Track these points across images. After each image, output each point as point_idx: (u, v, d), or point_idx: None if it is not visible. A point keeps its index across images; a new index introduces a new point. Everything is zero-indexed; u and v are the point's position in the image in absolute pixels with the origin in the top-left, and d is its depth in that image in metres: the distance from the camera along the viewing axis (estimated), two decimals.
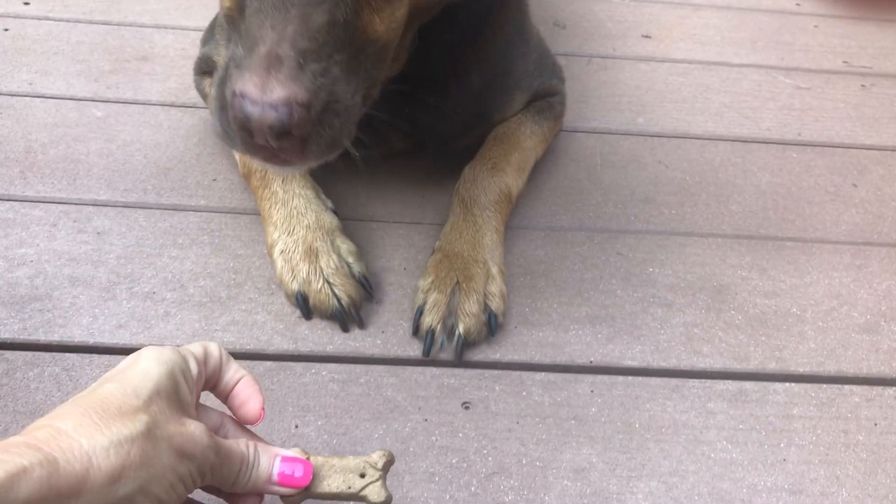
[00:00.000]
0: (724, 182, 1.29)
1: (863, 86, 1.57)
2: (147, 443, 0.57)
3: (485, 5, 1.02)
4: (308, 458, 0.68)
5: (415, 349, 0.98)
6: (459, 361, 0.96)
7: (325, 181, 1.13)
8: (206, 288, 1.02)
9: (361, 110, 0.78)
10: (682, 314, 1.06)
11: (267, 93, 0.68)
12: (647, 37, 1.64)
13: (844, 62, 1.64)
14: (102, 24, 1.50)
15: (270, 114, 0.69)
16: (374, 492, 0.67)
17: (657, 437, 0.91)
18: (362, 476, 0.68)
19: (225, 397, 0.72)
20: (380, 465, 0.68)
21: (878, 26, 1.77)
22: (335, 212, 1.09)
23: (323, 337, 0.98)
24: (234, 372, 0.72)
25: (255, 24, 0.71)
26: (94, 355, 0.94)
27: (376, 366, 0.96)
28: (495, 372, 0.96)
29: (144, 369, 0.63)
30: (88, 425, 0.56)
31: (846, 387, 0.99)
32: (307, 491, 0.68)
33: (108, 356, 0.94)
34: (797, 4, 1.82)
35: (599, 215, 1.21)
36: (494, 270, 1.01)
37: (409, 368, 0.96)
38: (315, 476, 0.68)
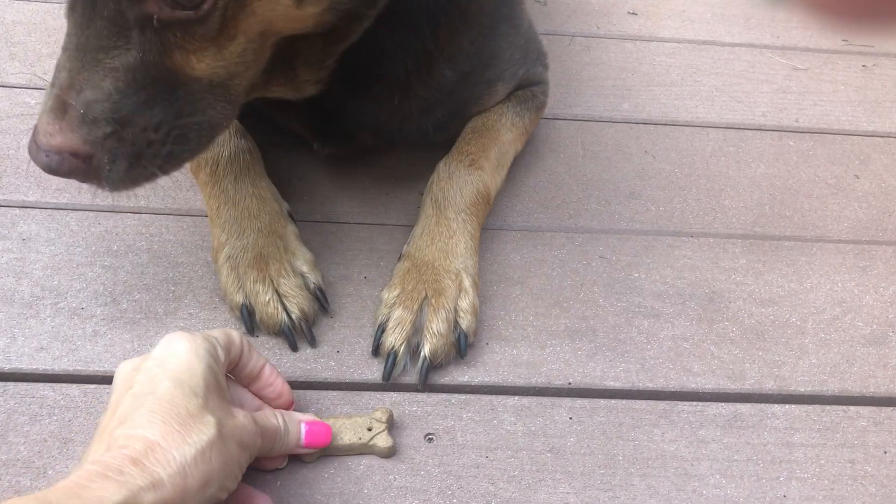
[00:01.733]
0: (716, 174, 1.19)
1: (864, 66, 1.46)
2: (221, 444, 0.65)
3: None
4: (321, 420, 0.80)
5: (373, 371, 0.88)
6: (423, 386, 0.86)
7: (282, 178, 1.02)
8: (140, 302, 0.92)
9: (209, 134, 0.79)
10: (670, 326, 0.96)
11: (45, 138, 0.71)
12: (633, 14, 1.52)
13: (844, 40, 1.53)
14: (42, 1, 1.38)
15: (43, 158, 0.72)
16: (382, 439, 0.80)
17: (643, 472, 0.81)
18: (369, 430, 0.80)
19: (249, 382, 0.79)
20: (384, 418, 0.81)
21: (880, 0, 1.66)
22: (291, 215, 0.98)
23: (271, 358, 0.88)
24: (257, 359, 0.79)
25: (59, 60, 0.72)
26: (9, 384, 0.83)
27: (329, 391, 0.85)
28: (463, 397, 0.86)
29: (188, 364, 0.69)
30: (173, 434, 0.63)
31: (852, 408, 0.89)
32: (325, 448, 0.79)
33: (25, 384, 0.83)
34: None
35: (580, 213, 1.10)
36: (468, 283, 0.91)
37: (367, 394, 0.85)
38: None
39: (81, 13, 0.70)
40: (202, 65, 0.73)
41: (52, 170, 0.72)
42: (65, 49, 0.72)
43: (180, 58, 0.71)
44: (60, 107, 0.71)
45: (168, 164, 0.76)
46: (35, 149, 0.72)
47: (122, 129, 0.72)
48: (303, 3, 0.73)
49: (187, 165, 1.01)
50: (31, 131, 0.73)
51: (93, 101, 0.70)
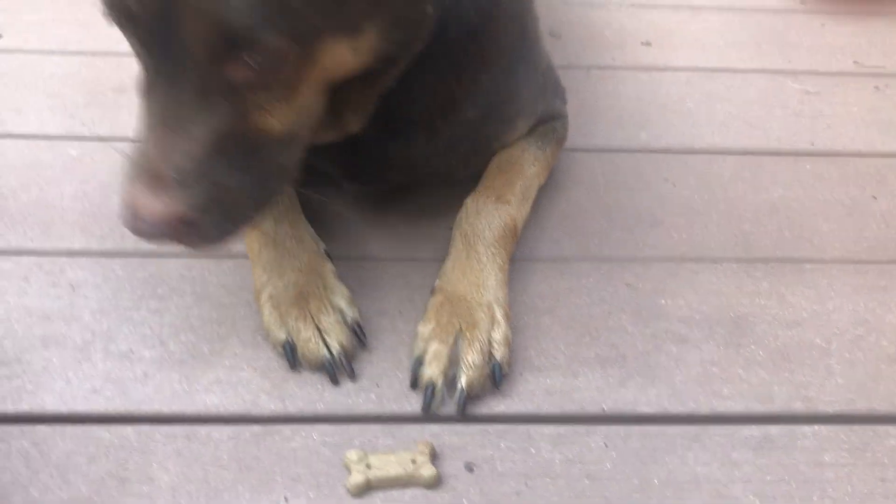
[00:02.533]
0: (735, 199, 1.22)
1: (876, 87, 1.49)
2: None
3: (462, 40, 0.95)
4: (365, 456, 0.84)
5: (412, 403, 0.91)
6: (462, 417, 0.89)
7: (317, 218, 1.06)
8: (187, 343, 0.96)
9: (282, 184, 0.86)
10: (698, 351, 0.99)
11: (147, 210, 0.75)
12: (646, 44, 1.57)
13: (855, 62, 1.56)
14: (77, 53, 1.44)
15: (147, 229, 0.76)
16: (426, 469, 0.83)
17: (678, 495, 0.84)
18: (413, 462, 0.84)
19: None
20: (426, 451, 0.85)
21: (888, 23, 1.69)
22: (328, 253, 1.02)
23: (312, 393, 0.91)
24: None
25: (145, 136, 0.76)
26: (66, 426, 0.87)
27: (371, 425, 0.89)
28: (500, 427, 0.89)
29: None
30: None
31: (881, 427, 0.92)
32: (369, 481, 0.82)
33: (81, 426, 0.87)
34: (802, 2, 1.74)
35: (605, 242, 1.14)
36: (499, 315, 0.95)
37: (407, 426, 0.89)
38: (376, 468, 0.83)
39: (160, 89, 0.75)
40: (276, 120, 0.78)
41: (155, 238, 0.78)
42: (148, 124, 0.76)
43: (258, 116, 0.77)
44: (154, 178, 0.75)
45: (254, 213, 0.83)
46: (134, 221, 0.76)
47: (215, 191, 0.76)
48: (357, 51, 0.80)
49: None
50: (123, 205, 0.77)
51: (186, 169, 0.75)
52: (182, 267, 1.05)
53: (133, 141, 0.78)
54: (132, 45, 0.77)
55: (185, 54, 0.72)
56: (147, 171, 0.75)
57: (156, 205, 0.74)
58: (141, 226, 0.76)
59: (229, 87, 0.74)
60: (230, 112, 0.75)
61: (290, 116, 0.79)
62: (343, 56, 0.79)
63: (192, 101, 0.74)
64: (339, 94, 0.85)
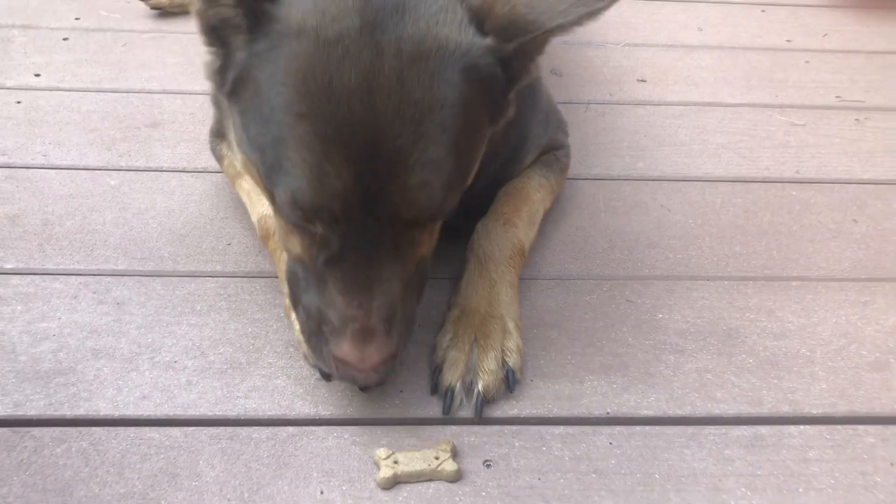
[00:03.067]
0: (727, 223, 1.32)
1: (857, 120, 1.60)
2: None
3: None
4: (393, 454, 0.92)
5: (433, 408, 0.99)
6: (479, 419, 0.98)
7: None
8: (225, 354, 1.04)
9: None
10: (694, 360, 1.07)
11: (367, 360, 0.87)
12: (642, 81, 1.67)
13: (837, 97, 1.67)
14: (112, 92, 1.54)
15: (373, 376, 0.89)
16: (449, 465, 0.91)
17: (677, 487, 0.92)
18: (437, 458, 0.91)
19: None
20: (448, 448, 0.93)
21: (868, 59, 1.81)
22: None
23: (343, 399, 1.00)
24: None
25: (342, 301, 0.87)
26: (119, 428, 0.95)
27: (396, 426, 0.97)
28: (514, 427, 0.98)
29: None
30: None
31: (860, 427, 1.00)
32: (397, 476, 0.90)
33: (133, 428, 0.95)
34: (788, 41, 1.86)
35: (606, 262, 1.23)
36: (511, 326, 1.03)
37: (429, 428, 0.97)
38: (402, 464, 0.91)
39: (356, 258, 0.86)
40: (426, 249, 0.95)
41: (378, 382, 0.91)
42: (343, 290, 0.87)
43: (418, 251, 0.91)
44: (366, 334, 0.87)
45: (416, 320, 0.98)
46: (356, 374, 0.89)
47: (402, 321, 0.90)
48: (469, 180, 0.94)
49: (258, 234, 1.15)
50: (343, 367, 0.89)
51: (389, 317, 0.88)
52: (218, 286, 1.14)
53: (311, 305, 0.91)
54: (319, 231, 0.86)
55: (384, 233, 0.85)
56: (357, 330, 0.86)
57: (373, 355, 0.87)
58: (358, 376, 0.89)
59: (412, 240, 0.88)
60: (410, 259, 0.90)
61: (433, 242, 0.96)
62: (463, 189, 0.93)
63: (387, 262, 0.87)
64: None
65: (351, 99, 0.79)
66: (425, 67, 0.81)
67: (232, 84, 0.88)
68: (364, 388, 0.97)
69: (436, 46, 0.82)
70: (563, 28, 0.85)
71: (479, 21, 0.85)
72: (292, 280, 0.95)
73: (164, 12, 1.79)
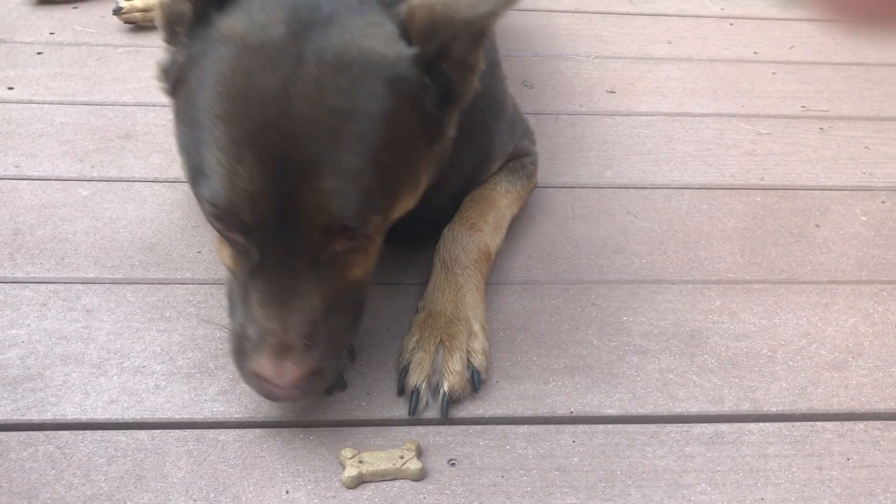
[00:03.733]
0: (692, 229, 1.34)
1: (821, 129, 1.63)
2: None
3: (467, 122, 1.05)
4: (358, 453, 0.92)
5: (400, 409, 1.00)
6: (445, 419, 0.99)
7: None
8: (194, 359, 1.05)
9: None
10: (657, 360, 1.09)
11: (283, 377, 0.87)
12: (611, 92, 1.70)
13: (802, 107, 1.70)
14: (85, 104, 1.55)
15: (291, 391, 0.88)
16: (413, 464, 0.93)
17: (638, 484, 0.94)
18: (402, 458, 0.93)
19: None
20: (412, 448, 0.94)
21: (833, 70, 1.84)
22: None
23: (310, 402, 1.00)
24: None
25: (261, 314, 0.87)
26: (87, 432, 0.96)
27: (363, 428, 0.98)
28: (479, 427, 0.99)
29: None
30: None
31: (818, 424, 1.02)
32: (362, 475, 0.91)
33: (101, 431, 0.96)
34: (755, 53, 1.90)
35: (573, 267, 1.25)
36: (477, 328, 1.05)
37: (396, 429, 0.98)
38: (368, 463, 0.92)
39: (273, 270, 0.86)
40: (362, 271, 0.93)
41: (297, 397, 0.91)
42: (259, 300, 0.87)
43: (350, 274, 0.91)
44: (282, 348, 0.86)
45: (351, 342, 1.00)
46: (273, 390, 0.88)
47: (327, 340, 0.89)
48: (416, 194, 0.94)
49: (218, 245, 1.16)
50: (256, 379, 0.89)
51: (310, 332, 0.87)
52: (188, 293, 1.15)
53: (237, 320, 0.92)
54: (239, 241, 0.87)
55: (299, 243, 0.84)
56: (274, 345, 0.86)
57: (291, 371, 0.86)
58: (274, 391, 0.88)
59: (333, 257, 0.87)
60: (334, 276, 0.88)
61: (369, 264, 0.95)
62: (408, 203, 0.94)
63: (305, 275, 0.86)
64: None
65: (267, 103, 0.80)
66: (346, 77, 0.81)
67: (172, 84, 0.90)
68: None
69: (360, 57, 0.82)
70: (479, 19, 0.84)
71: (406, 33, 0.85)
72: (230, 295, 0.95)
73: (138, 27, 1.80)
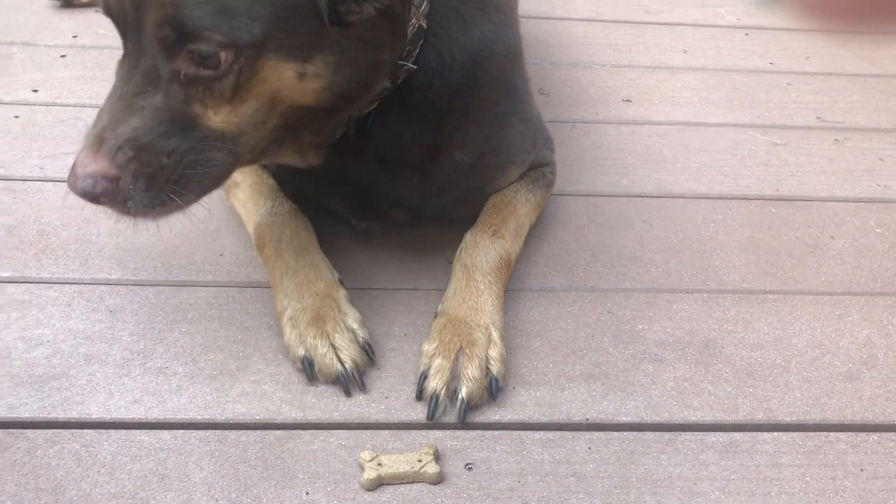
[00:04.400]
0: (707, 239, 1.35)
1: (836, 140, 1.64)
2: None
3: (448, 92, 1.08)
4: (377, 456, 0.94)
5: (418, 413, 1.02)
6: (462, 424, 1.00)
7: (331, 252, 1.18)
8: (215, 361, 1.07)
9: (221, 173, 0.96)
10: (672, 369, 1.10)
11: (82, 167, 0.88)
12: (627, 101, 1.71)
13: (818, 118, 1.71)
14: None
15: (79, 184, 0.89)
16: (431, 468, 0.94)
17: (653, 490, 0.95)
18: (420, 461, 0.94)
19: None
20: (431, 452, 0.96)
21: (849, 81, 1.85)
22: (342, 282, 1.14)
23: (329, 404, 1.02)
24: None
25: (101, 107, 0.91)
26: (111, 430, 0.98)
27: (381, 431, 1.00)
28: (496, 432, 1.01)
29: None
30: None
31: (832, 434, 1.03)
32: (381, 477, 0.92)
33: (124, 431, 0.98)
34: (770, 63, 1.90)
35: (589, 275, 1.26)
36: (496, 335, 1.06)
37: (413, 432, 1.00)
38: (386, 466, 0.94)
39: (126, 67, 0.90)
40: (217, 118, 0.92)
41: (86, 194, 0.89)
42: (109, 97, 0.91)
43: (199, 109, 0.91)
44: (97, 142, 0.89)
45: (178, 192, 0.93)
46: (73, 178, 0.89)
47: (142, 154, 0.88)
48: (304, 77, 0.92)
49: (253, 243, 1.18)
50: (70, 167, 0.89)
51: (121, 134, 0.88)
52: (209, 295, 1.17)
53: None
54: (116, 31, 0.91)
55: (145, 41, 0.88)
56: (93, 135, 0.89)
57: (89, 162, 0.88)
58: (73, 179, 0.89)
59: (176, 75, 0.88)
60: (173, 97, 0.89)
61: (231, 118, 0.92)
62: (290, 79, 0.92)
63: (144, 82, 0.88)
64: (302, 122, 0.99)
65: None
66: None
67: None
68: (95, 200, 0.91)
69: None
70: None
71: None
72: None
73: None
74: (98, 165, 0.88)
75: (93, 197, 0.90)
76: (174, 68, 0.88)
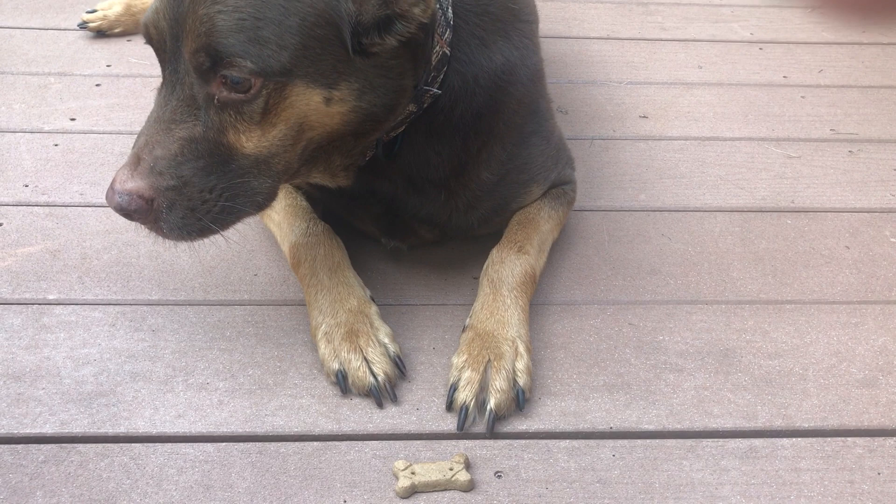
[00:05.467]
0: (725, 251, 1.39)
1: (850, 152, 1.67)
2: None
3: (472, 115, 1.14)
4: (410, 465, 0.98)
5: (448, 423, 1.06)
6: (491, 434, 1.05)
7: (362, 270, 1.24)
8: (254, 376, 1.12)
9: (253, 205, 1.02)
10: (692, 378, 1.14)
11: (120, 184, 0.95)
12: (644, 117, 1.76)
13: (832, 130, 1.75)
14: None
15: (116, 199, 0.95)
16: (462, 475, 0.98)
17: (676, 496, 0.99)
18: (451, 469, 0.98)
19: None
20: (461, 461, 1.00)
21: (862, 93, 1.88)
22: (373, 298, 1.19)
23: (363, 416, 1.07)
24: None
25: (142, 128, 0.98)
26: (157, 444, 1.03)
27: (413, 441, 1.04)
28: (523, 441, 1.05)
29: None
30: None
31: (850, 439, 1.06)
32: (414, 485, 0.96)
33: (170, 444, 1.03)
34: (784, 77, 1.94)
35: (610, 289, 1.30)
36: (522, 348, 1.11)
37: (445, 442, 1.04)
38: (419, 475, 0.98)
39: (164, 93, 0.97)
40: (250, 144, 0.98)
41: (121, 209, 0.95)
42: (148, 120, 0.98)
43: (233, 136, 0.97)
44: (135, 161, 0.95)
45: (219, 221, 0.99)
46: (111, 193, 0.95)
47: (183, 187, 0.95)
48: (330, 102, 0.99)
49: (288, 262, 1.24)
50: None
51: (160, 158, 0.94)
52: (245, 313, 1.22)
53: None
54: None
55: (182, 69, 0.95)
56: (131, 154, 0.96)
57: (126, 179, 0.94)
58: (111, 194, 0.95)
59: (211, 101, 0.95)
60: (209, 122, 0.96)
61: (262, 142, 0.98)
62: (317, 104, 0.98)
63: (182, 109, 0.96)
64: (331, 146, 1.05)
65: None
66: None
67: None
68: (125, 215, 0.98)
69: None
70: None
71: None
72: None
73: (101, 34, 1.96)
74: (135, 184, 0.94)
75: (126, 213, 0.96)
76: (209, 93, 0.95)
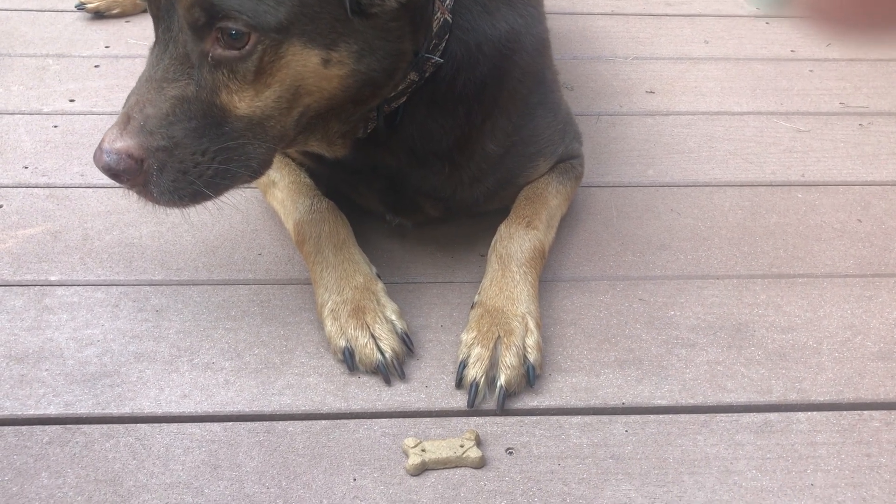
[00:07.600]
0: (735, 225, 1.37)
1: (860, 125, 1.65)
2: None
3: (475, 84, 1.11)
4: (420, 443, 0.97)
5: (458, 400, 1.05)
6: (501, 411, 1.03)
7: (368, 248, 1.22)
8: (260, 356, 1.11)
9: (246, 168, 0.98)
10: (705, 353, 1.13)
11: (108, 143, 0.91)
12: (651, 92, 1.73)
13: (841, 103, 1.72)
14: None
15: (104, 158, 0.91)
16: (473, 452, 0.97)
17: (690, 470, 0.97)
18: (462, 446, 0.97)
19: None
20: (472, 437, 0.98)
21: (872, 66, 1.86)
22: (379, 275, 1.17)
23: (371, 394, 1.05)
24: None
25: (133, 87, 0.94)
26: (163, 424, 1.01)
27: (423, 418, 1.03)
28: (535, 418, 1.03)
29: None
30: None
31: (866, 412, 1.05)
32: (425, 463, 0.95)
33: (176, 424, 1.01)
34: (792, 51, 1.91)
35: (620, 264, 1.28)
36: (532, 324, 1.09)
37: (454, 419, 1.03)
38: (430, 452, 0.97)
39: (156, 52, 0.94)
40: (243, 104, 0.94)
41: (109, 169, 0.91)
42: (139, 79, 0.94)
43: (226, 96, 0.93)
44: (125, 120, 0.91)
45: (212, 185, 0.96)
46: (99, 153, 0.91)
47: (174, 148, 0.91)
48: (328, 64, 0.95)
49: (293, 239, 1.22)
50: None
51: (151, 117, 0.91)
52: (250, 293, 1.20)
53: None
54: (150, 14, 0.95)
55: (175, 26, 0.91)
56: (121, 114, 0.92)
57: (116, 140, 0.91)
58: (98, 154, 0.91)
59: (205, 59, 0.91)
60: (202, 81, 0.92)
61: (255, 102, 0.94)
62: (314, 66, 0.95)
63: (175, 67, 0.92)
64: (329, 113, 1.02)
65: None
66: None
67: None
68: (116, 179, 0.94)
69: None
70: None
71: None
72: None
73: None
74: (124, 143, 0.90)
75: (115, 174, 0.92)
76: (203, 50, 0.91)
